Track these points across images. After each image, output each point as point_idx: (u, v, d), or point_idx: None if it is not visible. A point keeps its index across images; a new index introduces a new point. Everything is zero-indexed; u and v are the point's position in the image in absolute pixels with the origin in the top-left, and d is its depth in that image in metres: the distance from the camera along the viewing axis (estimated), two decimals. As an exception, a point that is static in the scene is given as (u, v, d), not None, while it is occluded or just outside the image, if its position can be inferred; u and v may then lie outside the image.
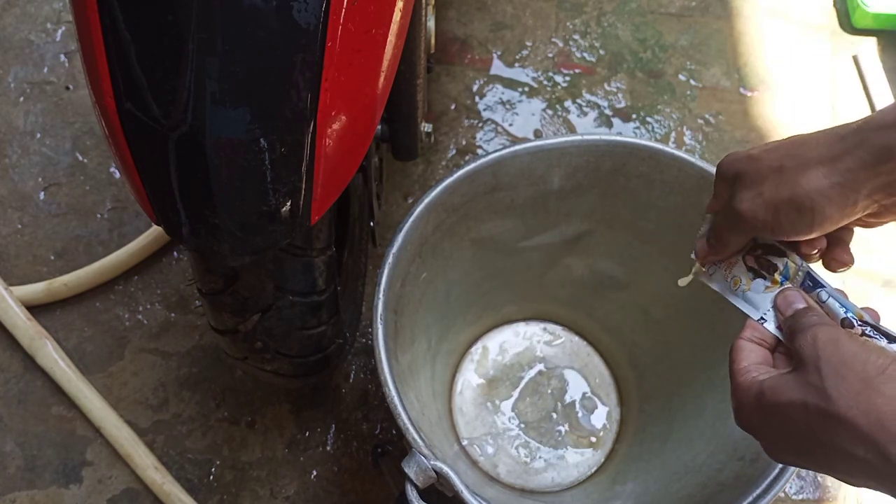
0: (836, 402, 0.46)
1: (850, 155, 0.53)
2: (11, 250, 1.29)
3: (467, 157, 1.39)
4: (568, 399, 1.15)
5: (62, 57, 1.45)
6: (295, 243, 0.78)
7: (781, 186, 0.56)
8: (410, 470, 0.73)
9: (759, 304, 0.60)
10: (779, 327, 0.58)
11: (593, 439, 1.13)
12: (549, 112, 1.44)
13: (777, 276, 0.60)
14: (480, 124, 1.42)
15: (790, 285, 0.60)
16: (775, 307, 0.59)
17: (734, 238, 0.62)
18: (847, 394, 0.46)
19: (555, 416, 1.14)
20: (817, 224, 0.55)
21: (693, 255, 0.65)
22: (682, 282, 0.69)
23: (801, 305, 0.57)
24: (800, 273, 0.60)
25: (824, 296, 0.57)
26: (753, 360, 0.55)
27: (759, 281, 0.61)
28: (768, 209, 0.56)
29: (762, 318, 0.59)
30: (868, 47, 1.50)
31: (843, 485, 1.18)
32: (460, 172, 0.89)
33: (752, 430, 0.53)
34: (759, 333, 0.58)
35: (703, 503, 0.85)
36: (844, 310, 0.56)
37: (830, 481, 1.18)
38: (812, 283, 0.59)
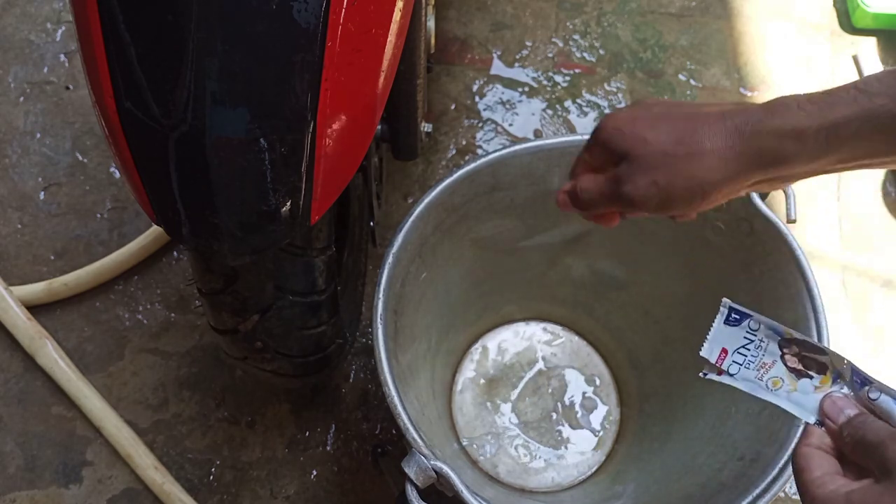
0: None
1: (745, 156, 0.56)
2: (11, 250, 1.29)
3: (467, 157, 1.39)
4: (568, 399, 1.15)
5: (62, 57, 1.45)
6: (295, 243, 0.78)
7: (676, 176, 0.58)
8: (410, 470, 0.73)
9: (809, 406, 0.56)
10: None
11: (596, 439, 1.13)
12: (549, 112, 1.44)
13: (829, 376, 0.56)
14: (480, 124, 1.42)
15: (836, 387, 0.56)
16: (821, 412, 0.55)
17: (611, 208, 0.64)
18: None
19: (555, 416, 1.14)
20: (704, 207, 0.59)
21: (702, 353, 0.63)
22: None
23: (853, 411, 0.53)
24: (845, 369, 0.56)
25: (874, 394, 0.54)
26: (827, 471, 0.51)
27: (806, 381, 0.57)
28: (661, 195, 0.59)
29: (818, 421, 0.55)
30: (868, 47, 1.50)
31: (843, 485, 1.18)
32: (460, 172, 0.89)
33: None
34: (825, 440, 0.54)
35: (703, 503, 0.85)
36: None
37: (830, 481, 1.18)
38: (860, 381, 0.55)
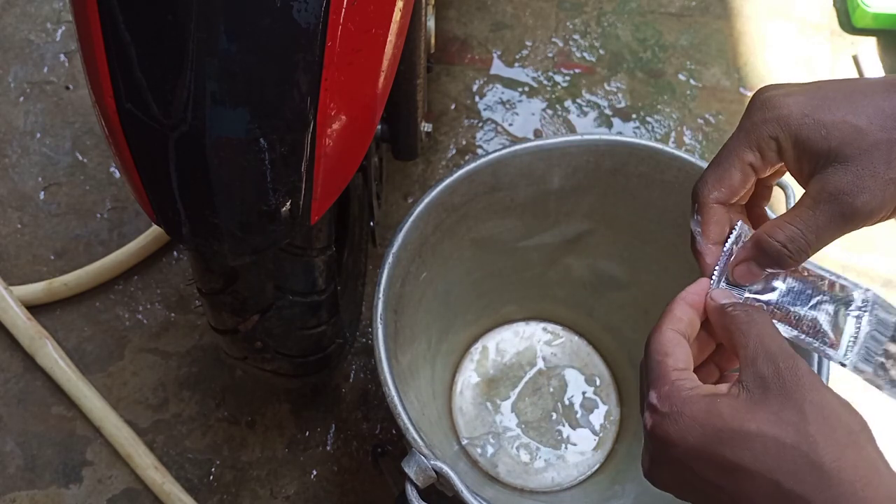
0: (822, 449, 0.41)
1: None
2: (11, 250, 1.29)
3: (467, 157, 1.39)
4: (568, 399, 1.15)
5: (62, 57, 1.45)
6: (295, 243, 0.78)
7: None
8: (410, 470, 0.73)
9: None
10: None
11: (596, 439, 1.13)
12: (549, 112, 1.44)
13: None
14: (480, 124, 1.42)
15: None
16: (732, 276, 0.51)
17: (831, 237, 0.49)
18: (836, 445, 0.41)
19: (555, 415, 1.14)
20: None
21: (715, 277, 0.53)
22: None
23: (759, 272, 0.49)
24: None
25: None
26: (686, 364, 0.47)
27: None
28: (890, 195, 0.46)
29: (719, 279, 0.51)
30: (868, 47, 1.50)
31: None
32: (460, 172, 0.89)
33: (671, 446, 0.44)
34: (692, 326, 0.49)
35: (703, 503, 0.85)
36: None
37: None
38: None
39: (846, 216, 0.47)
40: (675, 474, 0.46)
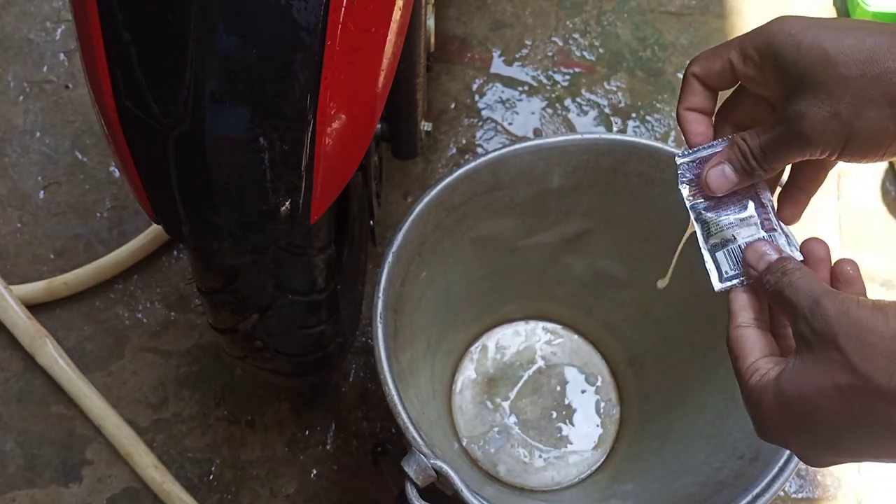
0: (871, 375, 0.41)
1: None
2: (11, 249, 1.29)
3: (467, 156, 1.39)
4: (567, 398, 1.15)
5: (62, 56, 1.45)
6: (294, 242, 0.78)
7: (865, 105, 0.46)
8: (410, 469, 0.73)
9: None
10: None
11: (596, 438, 1.13)
12: (549, 111, 1.44)
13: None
14: (480, 123, 1.42)
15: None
16: (744, 262, 0.52)
17: (783, 161, 0.50)
18: (881, 364, 0.41)
19: (554, 414, 1.14)
20: (884, 154, 0.47)
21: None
22: (662, 284, 0.65)
23: (774, 255, 0.50)
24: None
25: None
26: (760, 353, 0.48)
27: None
28: (844, 132, 0.47)
29: (741, 278, 0.52)
30: (868, 46, 1.49)
31: (843, 484, 1.18)
32: (460, 171, 0.89)
33: (782, 438, 0.47)
34: (753, 311, 0.51)
35: (703, 502, 0.85)
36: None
37: (830, 480, 1.18)
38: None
39: (790, 140, 0.49)
40: (778, 430, 0.47)
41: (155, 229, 1.26)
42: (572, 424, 1.14)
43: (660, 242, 0.99)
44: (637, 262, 1.04)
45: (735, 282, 0.52)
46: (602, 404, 1.15)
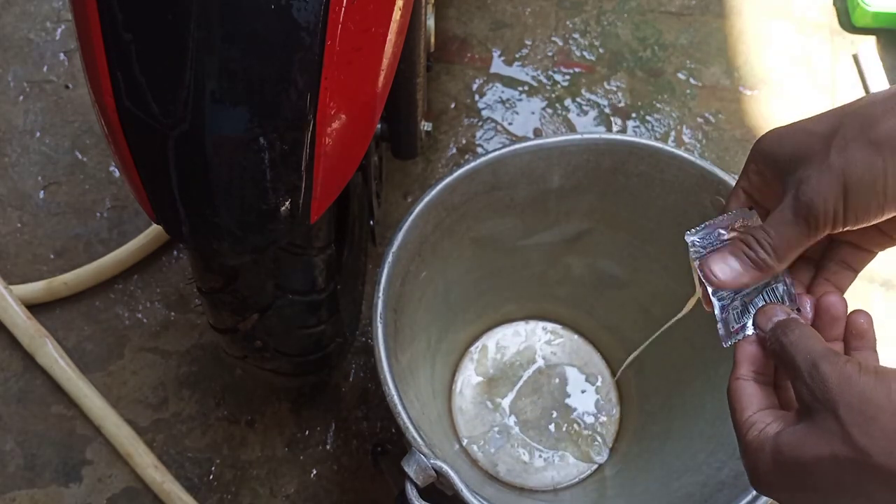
0: (867, 450, 0.40)
1: None
2: (11, 249, 1.29)
3: (467, 156, 1.39)
4: (567, 398, 1.15)
5: (62, 55, 1.45)
6: (294, 242, 0.78)
7: (849, 150, 0.45)
8: (410, 469, 0.73)
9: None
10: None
11: (596, 438, 1.13)
12: (549, 111, 1.44)
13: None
14: (480, 123, 1.42)
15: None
16: (755, 324, 0.52)
17: (802, 242, 0.49)
18: (879, 439, 0.40)
19: (554, 414, 1.14)
20: (890, 197, 0.45)
21: (700, 279, 0.54)
22: (681, 314, 0.64)
23: (783, 316, 0.50)
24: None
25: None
26: (758, 407, 0.48)
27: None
28: (842, 182, 0.45)
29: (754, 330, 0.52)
30: (868, 46, 1.50)
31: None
32: (460, 171, 0.89)
33: (770, 491, 0.47)
34: (755, 365, 0.50)
35: (703, 501, 0.85)
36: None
37: (830, 480, 1.18)
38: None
39: (799, 212, 0.47)
40: (775, 492, 0.47)
41: (155, 229, 1.26)
42: (572, 424, 1.13)
43: (660, 242, 0.99)
44: (637, 262, 1.04)
45: (741, 336, 0.52)
46: (602, 404, 1.15)
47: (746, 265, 0.51)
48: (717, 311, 0.54)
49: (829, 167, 0.46)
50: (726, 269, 0.51)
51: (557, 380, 1.16)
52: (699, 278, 0.54)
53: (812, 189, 0.46)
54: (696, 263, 0.54)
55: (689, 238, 0.55)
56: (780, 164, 0.49)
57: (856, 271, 0.54)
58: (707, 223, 0.55)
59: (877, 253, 0.53)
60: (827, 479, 0.42)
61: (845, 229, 0.48)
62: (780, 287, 0.53)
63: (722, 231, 0.55)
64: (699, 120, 1.44)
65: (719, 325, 0.54)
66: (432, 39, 1.14)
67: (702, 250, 0.54)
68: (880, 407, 0.40)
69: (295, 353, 0.92)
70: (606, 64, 1.48)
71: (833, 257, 0.54)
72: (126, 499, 1.14)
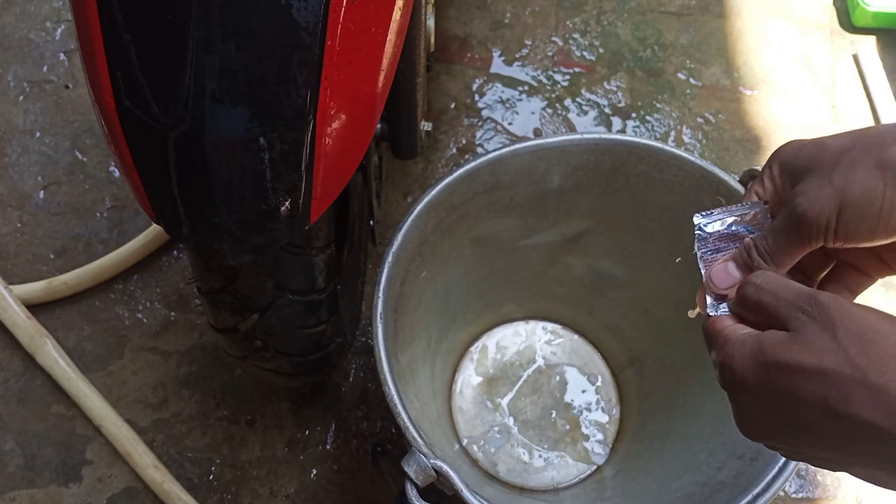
0: (862, 366, 0.41)
1: None
2: (11, 249, 1.29)
3: (467, 156, 1.39)
4: (567, 398, 1.15)
5: (62, 55, 1.45)
6: (294, 242, 0.78)
7: (855, 169, 0.47)
8: (410, 469, 0.73)
9: None
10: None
11: (596, 438, 1.13)
12: (549, 111, 1.44)
13: None
14: (480, 123, 1.42)
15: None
16: (707, 284, 0.53)
17: (796, 250, 0.50)
18: (876, 358, 0.40)
19: (554, 414, 1.14)
20: (882, 222, 0.47)
21: (709, 285, 0.54)
22: (693, 313, 0.65)
23: (737, 274, 0.52)
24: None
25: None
26: (734, 320, 0.50)
27: None
28: (837, 198, 0.47)
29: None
30: (868, 46, 1.50)
31: (843, 483, 1.18)
32: (460, 171, 0.89)
33: (740, 389, 0.46)
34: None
35: (703, 502, 0.85)
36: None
37: (830, 480, 1.18)
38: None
39: (792, 221, 0.49)
40: (756, 419, 0.47)
41: (155, 229, 1.26)
42: (572, 424, 1.13)
43: (660, 242, 0.99)
44: (637, 262, 1.04)
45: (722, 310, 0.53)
46: (602, 404, 1.15)
47: (746, 273, 0.52)
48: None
49: (831, 182, 0.47)
50: (728, 277, 0.53)
51: (557, 380, 1.16)
52: (701, 263, 0.55)
53: (809, 200, 0.48)
54: (697, 245, 0.56)
55: (697, 220, 0.56)
56: (793, 174, 0.51)
57: (854, 293, 0.55)
58: (719, 209, 0.56)
59: (876, 279, 0.54)
60: (808, 388, 0.42)
61: (837, 245, 0.49)
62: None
63: (730, 220, 0.55)
64: (699, 120, 1.44)
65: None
66: (432, 39, 1.14)
67: (704, 234, 0.55)
68: (881, 332, 0.41)
69: (295, 352, 0.92)
70: (606, 64, 1.48)
71: (833, 277, 0.55)
72: (126, 499, 1.14)
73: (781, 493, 1.15)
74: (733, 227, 0.55)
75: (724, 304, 0.53)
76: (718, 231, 0.55)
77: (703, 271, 0.55)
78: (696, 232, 0.56)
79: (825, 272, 0.55)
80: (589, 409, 1.14)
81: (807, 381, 0.43)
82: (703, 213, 0.56)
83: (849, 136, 0.49)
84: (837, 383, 0.41)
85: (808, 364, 0.42)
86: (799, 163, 0.51)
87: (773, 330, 0.46)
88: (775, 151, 0.54)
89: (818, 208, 0.47)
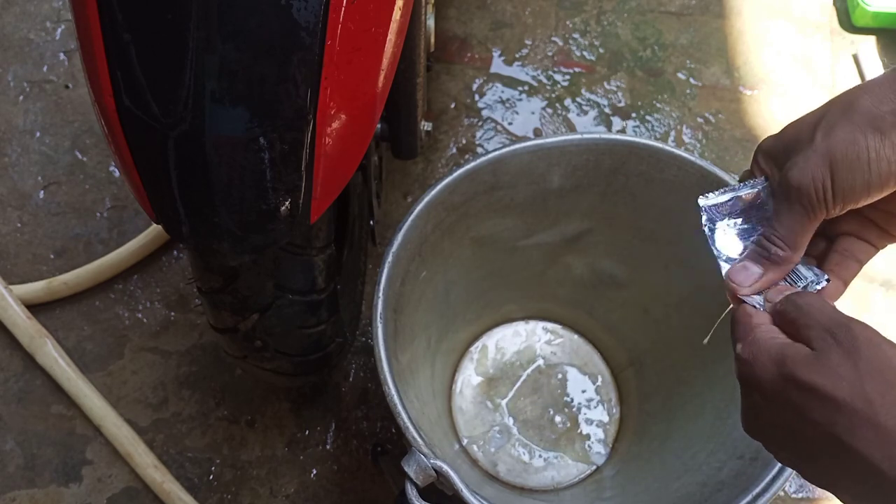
0: (878, 407, 0.41)
1: None
2: (11, 249, 1.29)
3: (467, 156, 1.39)
4: (567, 397, 1.15)
5: (62, 55, 1.45)
6: (294, 242, 0.78)
7: (834, 131, 0.48)
8: (410, 469, 0.73)
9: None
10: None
11: (596, 438, 1.13)
12: (549, 111, 1.44)
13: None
14: (480, 123, 1.42)
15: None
16: (727, 286, 0.53)
17: (805, 226, 0.51)
18: (893, 404, 0.41)
19: (554, 414, 1.14)
20: (874, 173, 0.47)
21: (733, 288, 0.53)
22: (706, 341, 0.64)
23: (759, 270, 0.52)
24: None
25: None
26: (768, 321, 0.49)
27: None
28: (823, 162, 0.48)
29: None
30: (868, 46, 1.49)
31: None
32: (460, 171, 0.89)
33: (755, 389, 0.47)
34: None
35: (703, 502, 0.85)
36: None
37: (830, 480, 1.18)
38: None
39: (792, 195, 0.50)
40: (762, 420, 0.48)
41: (155, 229, 1.26)
42: (572, 424, 1.13)
43: (660, 242, 0.99)
44: (637, 262, 1.04)
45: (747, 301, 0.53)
46: (602, 404, 1.15)
47: (766, 265, 0.53)
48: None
49: (815, 149, 0.48)
50: (749, 275, 0.53)
51: (557, 380, 1.16)
52: (713, 246, 0.56)
53: (800, 171, 0.49)
54: (707, 230, 0.56)
55: (703, 203, 0.57)
56: (778, 158, 0.52)
57: (860, 262, 0.55)
58: (723, 190, 0.56)
59: (880, 248, 0.55)
60: (819, 410, 0.43)
61: (839, 210, 0.49)
62: (802, 269, 0.54)
63: (733, 197, 0.56)
64: (699, 120, 1.44)
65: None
66: (432, 39, 1.14)
67: (710, 224, 0.56)
68: None
69: (295, 352, 0.92)
70: (606, 64, 1.48)
71: (837, 248, 0.55)
72: (126, 499, 1.14)
73: (781, 493, 1.16)
74: (738, 205, 0.56)
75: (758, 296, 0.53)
76: (724, 202, 0.56)
77: (714, 250, 0.55)
78: (703, 214, 0.57)
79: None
80: (589, 409, 1.14)
81: (818, 402, 0.43)
82: (708, 195, 0.57)
83: (820, 108, 0.50)
84: (847, 413, 0.42)
85: (824, 387, 0.43)
86: (781, 145, 0.52)
87: (801, 344, 0.46)
88: (757, 147, 0.55)
89: (810, 174, 0.48)
